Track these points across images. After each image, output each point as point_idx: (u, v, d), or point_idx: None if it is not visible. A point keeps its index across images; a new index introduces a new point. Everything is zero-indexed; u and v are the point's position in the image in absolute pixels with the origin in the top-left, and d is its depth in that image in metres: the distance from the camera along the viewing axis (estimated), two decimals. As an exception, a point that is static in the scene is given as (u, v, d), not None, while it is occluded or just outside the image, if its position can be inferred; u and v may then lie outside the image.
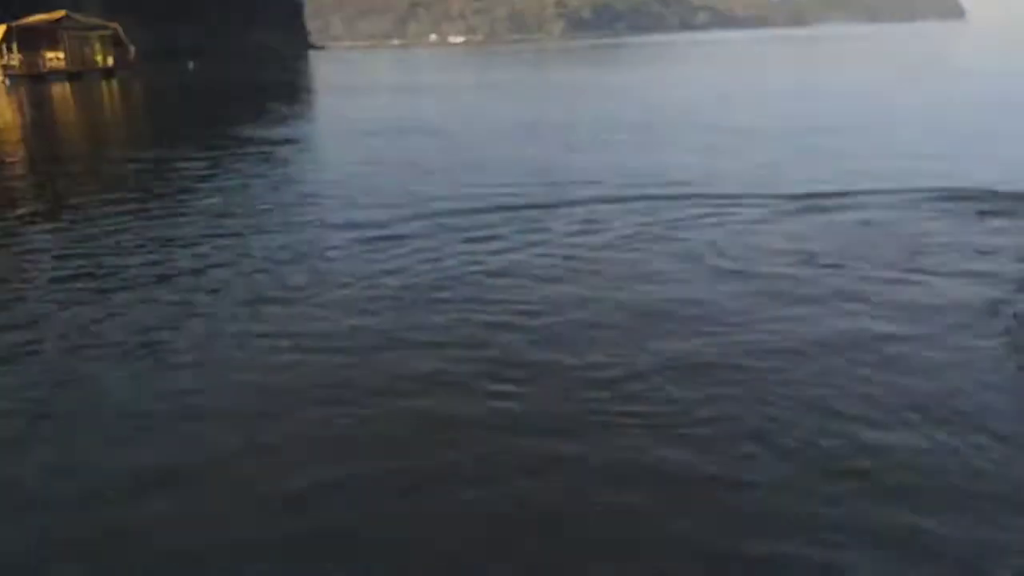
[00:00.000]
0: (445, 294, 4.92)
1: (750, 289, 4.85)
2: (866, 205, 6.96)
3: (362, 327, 4.44)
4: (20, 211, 8.06)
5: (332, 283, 5.22)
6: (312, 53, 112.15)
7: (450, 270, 5.47)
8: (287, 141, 12.90)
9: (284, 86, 32.11)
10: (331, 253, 5.95)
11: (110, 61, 45.29)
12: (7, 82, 39.91)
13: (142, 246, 6.31)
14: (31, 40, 43.03)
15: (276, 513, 2.70)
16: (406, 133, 13.28)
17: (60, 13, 44.83)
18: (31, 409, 3.55)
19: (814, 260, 5.36)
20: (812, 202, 7.12)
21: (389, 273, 5.42)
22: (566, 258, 5.69)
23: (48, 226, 7.26)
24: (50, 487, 2.91)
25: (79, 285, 5.34)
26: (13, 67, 41.36)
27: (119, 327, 4.52)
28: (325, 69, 51.94)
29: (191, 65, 58.07)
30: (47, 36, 43.73)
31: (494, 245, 6.08)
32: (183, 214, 7.46)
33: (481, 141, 11.85)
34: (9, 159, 12.89)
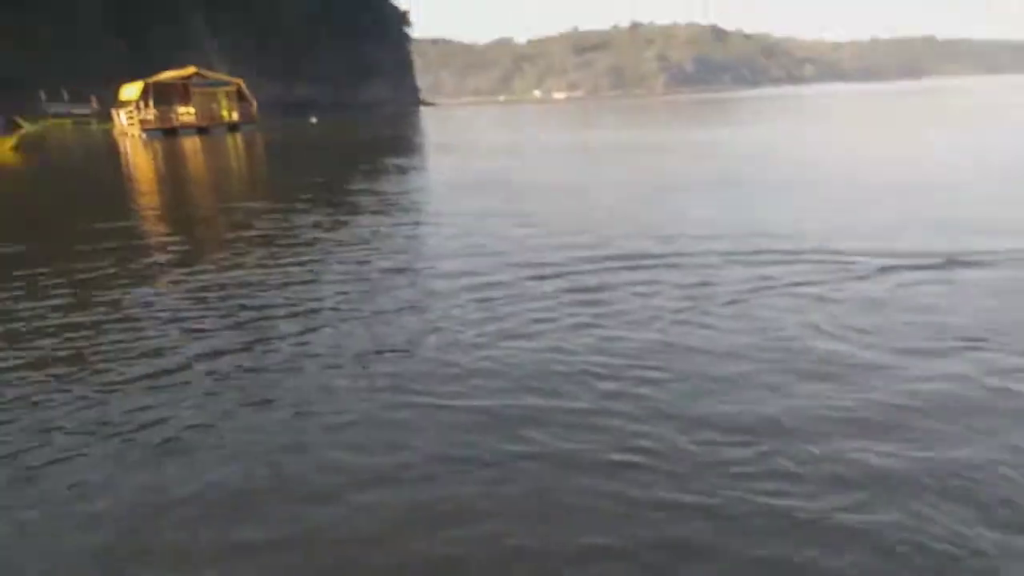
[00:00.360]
0: (559, 346, 4.92)
1: (875, 365, 4.60)
2: (999, 266, 6.56)
3: (475, 373, 4.52)
4: (154, 257, 8.57)
5: (446, 331, 5.32)
6: (423, 109, 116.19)
7: (562, 320, 5.48)
8: (402, 194, 13.30)
9: (398, 141, 33.28)
10: (445, 302, 6.06)
11: (235, 115, 48.18)
12: (144, 135, 43.03)
13: (265, 292, 6.59)
14: (165, 96, 46.37)
15: (408, 540, 2.72)
16: (517, 189, 13.48)
17: (191, 70, 48.20)
18: (165, 444, 3.71)
19: (948, 332, 5.06)
20: (942, 261, 6.77)
21: (501, 322, 5.47)
22: (676, 311, 5.61)
23: (179, 272, 7.67)
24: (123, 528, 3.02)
25: (204, 328, 5.59)
26: (149, 121, 44.60)
27: (244, 370, 4.70)
28: (435, 125, 53.69)
29: (313, 119, 61.29)
30: (179, 92, 47.02)
31: (605, 296, 6.07)
32: (305, 263, 7.75)
33: (591, 197, 11.89)
34: (146, 207, 13.81)
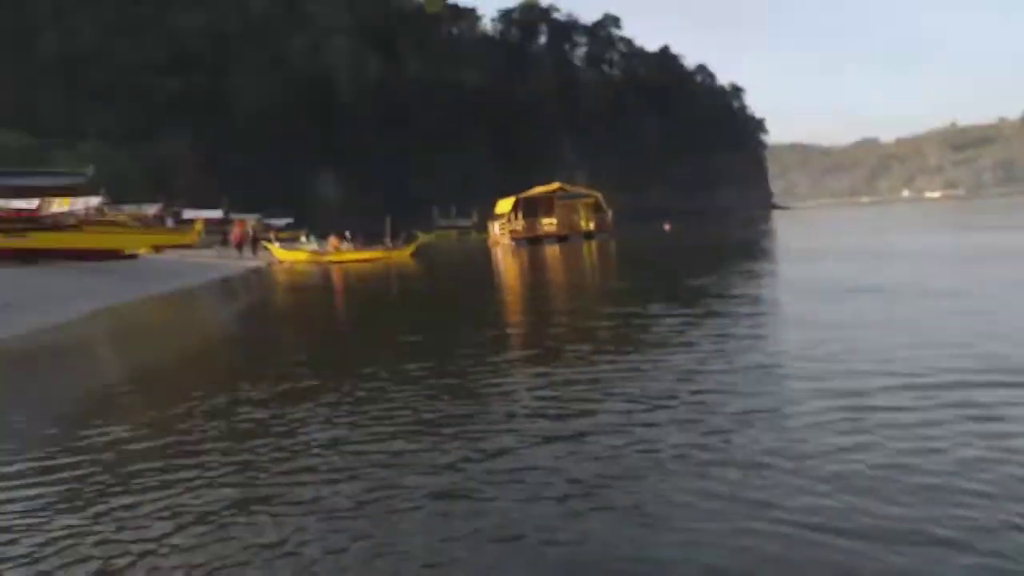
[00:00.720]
0: (936, 480, 4.10)
1: None
2: None
3: (848, 490, 3.94)
4: (511, 351, 9.14)
5: (806, 441, 4.77)
6: (776, 212, 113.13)
7: (952, 438, 4.63)
8: (754, 297, 12.80)
9: (750, 245, 32.65)
10: (803, 410, 5.49)
11: (591, 225, 51.32)
12: (512, 243, 47.72)
13: (611, 389, 6.57)
14: (532, 208, 51.25)
15: None
16: (885, 295, 12.19)
17: (556, 185, 52.82)
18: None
19: None
20: None
21: (871, 434, 4.78)
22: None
23: (532, 364, 8.06)
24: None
25: (552, 420, 5.69)
26: (517, 231, 49.52)
27: (585, 464, 4.64)
28: (789, 228, 51.91)
29: (667, 226, 63.11)
30: (544, 205, 51.61)
31: (1008, 412, 5.05)
32: (653, 362, 7.65)
33: (984, 306, 10.19)
34: (508, 307, 15.05)
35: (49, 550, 3.75)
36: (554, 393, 6.62)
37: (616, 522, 3.83)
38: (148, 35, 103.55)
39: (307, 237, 48.52)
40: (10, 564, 3.62)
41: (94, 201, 34.71)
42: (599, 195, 53.56)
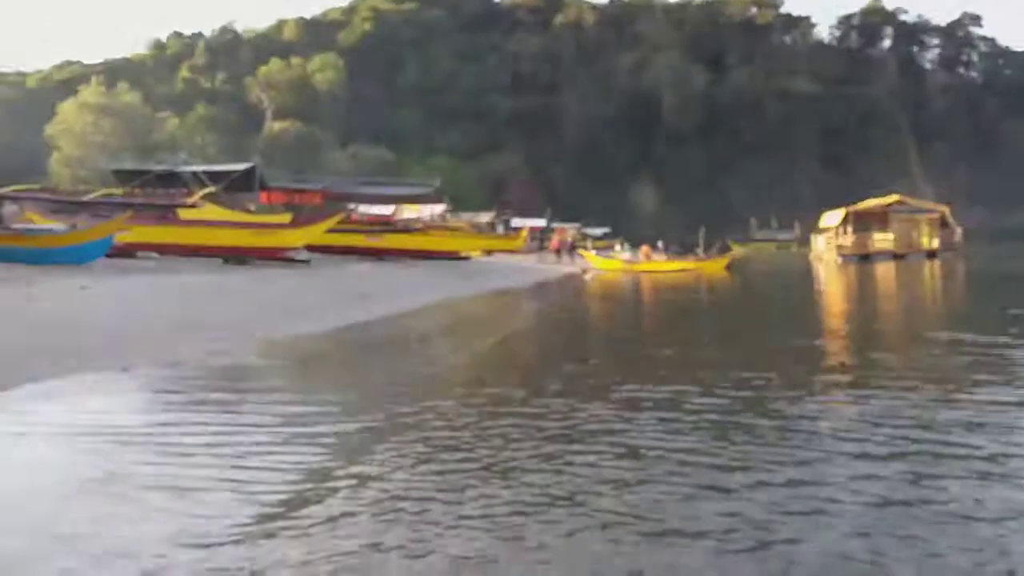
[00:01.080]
0: None
1: None
2: None
3: None
4: (820, 376, 8.50)
5: None
6: None
7: None
8: None
9: None
10: None
11: (935, 243, 46.01)
12: (839, 260, 44.41)
13: (939, 428, 5.77)
14: (864, 222, 47.24)
15: None
16: None
17: (894, 198, 48.17)
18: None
19: None
20: None
21: None
22: None
23: (849, 390, 7.49)
24: None
25: (865, 452, 5.21)
26: (845, 246, 45.95)
27: (901, 507, 4.18)
28: None
29: None
30: (878, 219, 47.34)
31: None
32: (997, 403, 6.59)
33: None
34: (826, 328, 14.07)
35: (367, 491, 4.32)
36: (866, 420, 6.01)
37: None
38: (491, 60, 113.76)
39: (621, 246, 49.62)
40: (346, 495, 4.24)
41: (438, 209, 38.89)
42: (946, 209, 47.80)
